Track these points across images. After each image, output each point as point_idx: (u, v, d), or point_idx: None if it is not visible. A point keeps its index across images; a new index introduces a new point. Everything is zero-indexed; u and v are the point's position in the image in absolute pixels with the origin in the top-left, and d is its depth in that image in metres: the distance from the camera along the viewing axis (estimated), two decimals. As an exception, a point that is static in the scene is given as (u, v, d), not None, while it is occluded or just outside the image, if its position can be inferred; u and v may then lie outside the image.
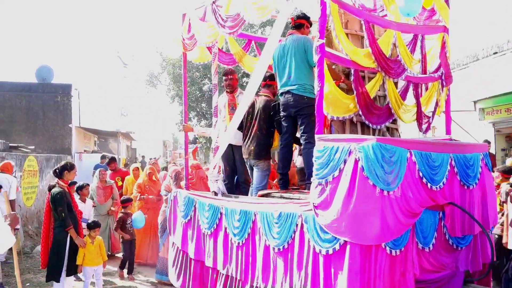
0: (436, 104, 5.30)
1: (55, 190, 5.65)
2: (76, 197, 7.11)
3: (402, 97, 4.87)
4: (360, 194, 3.13)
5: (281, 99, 4.66)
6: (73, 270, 5.77)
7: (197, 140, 25.36)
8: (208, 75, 22.34)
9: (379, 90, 4.54)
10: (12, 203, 7.57)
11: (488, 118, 11.88)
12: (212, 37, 5.29)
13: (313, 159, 3.53)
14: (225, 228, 4.66)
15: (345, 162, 3.26)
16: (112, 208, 8.89)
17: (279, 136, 5.06)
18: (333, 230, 3.24)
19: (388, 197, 3.18)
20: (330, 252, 3.30)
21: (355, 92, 4.10)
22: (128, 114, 24.67)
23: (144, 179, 8.49)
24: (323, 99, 3.72)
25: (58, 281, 5.62)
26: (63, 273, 5.65)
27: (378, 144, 3.18)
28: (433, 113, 5.30)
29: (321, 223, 3.34)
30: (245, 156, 5.17)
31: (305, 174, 4.84)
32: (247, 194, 5.36)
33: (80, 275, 6.17)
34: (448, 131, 5.35)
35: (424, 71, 5.15)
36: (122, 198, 8.04)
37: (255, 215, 4.19)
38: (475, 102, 12.01)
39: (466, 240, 3.95)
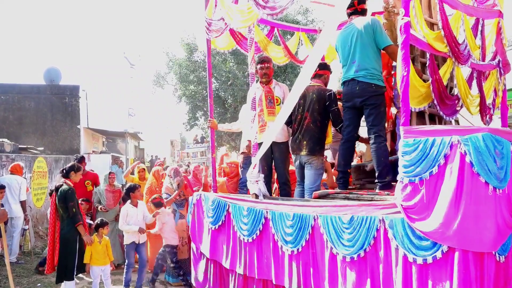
0: (495, 94, 4.76)
1: (64, 187, 5.58)
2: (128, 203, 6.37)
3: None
4: (471, 193, 2.54)
5: (344, 88, 4.05)
6: (80, 269, 5.70)
7: (205, 140, 24.79)
8: (215, 74, 21.73)
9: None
10: (22, 204, 7.86)
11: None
12: (248, 21, 4.46)
13: (400, 154, 2.95)
14: (273, 235, 4.02)
15: (446, 157, 2.67)
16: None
17: (331, 129, 4.47)
18: (435, 236, 2.65)
19: (499, 196, 2.61)
20: (429, 261, 2.70)
21: (430, 79, 3.52)
22: (136, 114, 24.07)
23: (152, 182, 7.78)
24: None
25: (71, 279, 5.52)
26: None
27: (489, 135, 2.59)
28: (493, 104, 4.75)
29: (418, 228, 2.75)
30: (293, 152, 4.54)
31: (365, 172, 4.26)
32: (288, 196, 4.77)
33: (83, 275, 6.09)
34: (504, 123, 4.78)
35: (483, 58, 4.60)
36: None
37: (314, 219, 3.59)
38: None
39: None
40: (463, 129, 2.74)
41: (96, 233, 5.88)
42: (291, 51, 6.43)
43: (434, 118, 4.07)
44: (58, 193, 5.54)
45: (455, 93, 4.16)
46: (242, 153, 5.70)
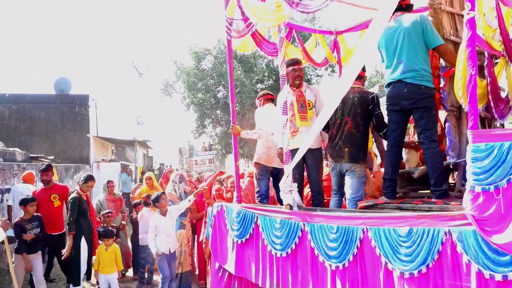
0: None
1: (71, 195, 5.94)
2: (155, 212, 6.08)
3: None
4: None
5: (390, 90, 3.73)
6: (89, 275, 6.02)
7: (213, 147, 24.51)
8: (223, 82, 21.56)
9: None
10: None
11: None
12: (277, 20, 4.01)
13: (468, 160, 2.64)
14: (311, 250, 3.66)
15: (527, 163, 2.37)
16: (123, 222, 7.86)
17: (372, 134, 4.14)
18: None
19: None
20: (510, 277, 2.39)
21: (488, 80, 3.21)
22: (144, 122, 23.81)
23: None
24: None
25: (77, 284, 5.78)
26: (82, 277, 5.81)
27: None
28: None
29: (494, 241, 2.44)
30: (332, 159, 4.21)
31: (409, 179, 3.94)
32: (321, 206, 4.44)
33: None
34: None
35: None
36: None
37: (364, 232, 3.27)
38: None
39: None
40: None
41: (102, 242, 6.05)
42: (309, 53, 6.15)
43: (483, 121, 3.77)
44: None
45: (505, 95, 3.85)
46: (256, 163, 5.19)
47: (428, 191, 4.12)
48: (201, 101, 22.29)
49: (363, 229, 3.26)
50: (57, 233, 6.33)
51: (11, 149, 10.87)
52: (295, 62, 4.63)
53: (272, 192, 5.42)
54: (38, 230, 5.73)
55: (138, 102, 22.36)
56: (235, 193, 5.22)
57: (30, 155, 11.28)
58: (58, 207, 6.40)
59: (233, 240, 4.75)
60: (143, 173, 17.41)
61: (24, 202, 5.78)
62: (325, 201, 4.66)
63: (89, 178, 6.20)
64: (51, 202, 6.32)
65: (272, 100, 5.47)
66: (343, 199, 4.35)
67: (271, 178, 5.26)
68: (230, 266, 4.79)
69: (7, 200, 8.05)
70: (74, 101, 16.02)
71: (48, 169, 6.43)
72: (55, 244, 6.28)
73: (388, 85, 3.76)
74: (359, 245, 3.28)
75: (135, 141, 19.50)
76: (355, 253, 3.31)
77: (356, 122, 4.07)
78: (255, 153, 5.21)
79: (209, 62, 22.87)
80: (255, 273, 4.37)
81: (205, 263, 6.33)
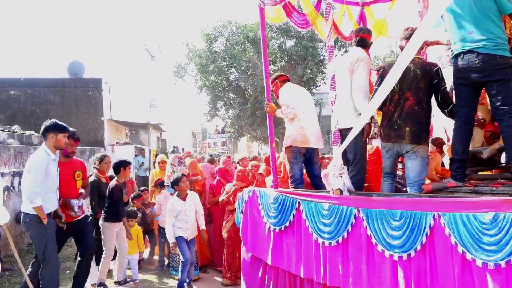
0: None
1: (90, 179, 5.62)
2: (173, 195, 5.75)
3: None
4: None
5: (458, 62, 3.27)
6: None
7: (225, 130, 24.13)
8: (235, 64, 21.01)
9: None
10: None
11: None
12: None
13: None
14: (368, 238, 3.25)
15: None
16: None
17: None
18: None
19: None
20: None
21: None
22: (158, 105, 23.40)
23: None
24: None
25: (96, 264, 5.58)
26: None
27: None
28: None
29: None
30: (389, 140, 3.71)
31: (476, 159, 3.50)
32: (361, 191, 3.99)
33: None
34: None
35: None
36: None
37: (435, 218, 2.85)
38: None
39: None
40: None
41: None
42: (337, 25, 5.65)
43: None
44: None
45: None
46: (289, 147, 4.68)
47: (492, 172, 3.69)
48: (213, 83, 21.81)
49: (434, 215, 2.85)
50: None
51: (27, 132, 10.81)
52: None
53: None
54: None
55: (150, 85, 21.90)
56: (269, 177, 4.79)
57: (46, 138, 11.03)
58: (78, 189, 5.09)
59: (269, 228, 4.34)
60: (157, 155, 17.12)
61: (124, 164, 5.78)
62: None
63: (104, 156, 5.93)
64: (75, 181, 5.02)
65: (288, 80, 5.00)
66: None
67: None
68: (265, 256, 4.38)
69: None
70: (87, 84, 15.76)
71: (78, 139, 5.15)
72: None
73: (456, 56, 3.29)
74: (428, 233, 2.87)
75: (149, 124, 19.15)
76: (423, 242, 2.90)
77: (419, 98, 3.57)
78: (287, 137, 4.69)
79: (221, 44, 22.31)
80: (296, 263, 3.96)
81: (222, 249, 6.02)
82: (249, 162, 6.90)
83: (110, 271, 6.09)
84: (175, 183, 5.58)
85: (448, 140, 4.50)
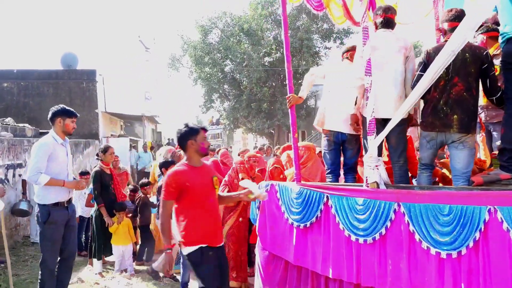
0: None
1: (94, 170, 5.98)
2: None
3: None
4: None
5: (510, 46, 2.94)
6: (107, 250, 5.93)
7: (220, 122, 23.70)
8: (230, 56, 20.55)
9: None
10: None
11: None
12: None
13: None
14: (411, 235, 2.91)
15: None
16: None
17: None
18: None
19: None
20: None
21: None
22: (152, 98, 22.83)
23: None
24: None
25: (99, 258, 5.88)
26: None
27: None
28: None
29: None
30: (433, 129, 3.33)
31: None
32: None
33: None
34: None
35: None
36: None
37: (490, 213, 2.51)
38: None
39: None
40: None
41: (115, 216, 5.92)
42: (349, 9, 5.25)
43: None
44: None
45: None
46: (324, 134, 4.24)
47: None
48: (208, 75, 21.34)
49: (489, 210, 2.51)
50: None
51: (21, 124, 10.51)
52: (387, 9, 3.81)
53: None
54: None
55: (145, 77, 21.34)
56: (291, 170, 4.36)
57: (40, 130, 10.84)
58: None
59: (292, 224, 3.92)
60: (152, 148, 16.70)
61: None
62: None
63: (107, 147, 6.04)
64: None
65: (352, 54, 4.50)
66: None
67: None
68: (287, 255, 3.98)
69: (19, 175, 7.76)
70: (81, 76, 15.28)
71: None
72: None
73: (508, 40, 2.94)
74: (483, 229, 2.54)
75: (143, 116, 18.72)
76: (476, 239, 2.57)
77: (468, 84, 3.19)
78: (316, 120, 4.28)
79: (215, 35, 21.83)
80: (323, 262, 3.56)
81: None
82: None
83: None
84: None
85: (483, 130, 4.14)
